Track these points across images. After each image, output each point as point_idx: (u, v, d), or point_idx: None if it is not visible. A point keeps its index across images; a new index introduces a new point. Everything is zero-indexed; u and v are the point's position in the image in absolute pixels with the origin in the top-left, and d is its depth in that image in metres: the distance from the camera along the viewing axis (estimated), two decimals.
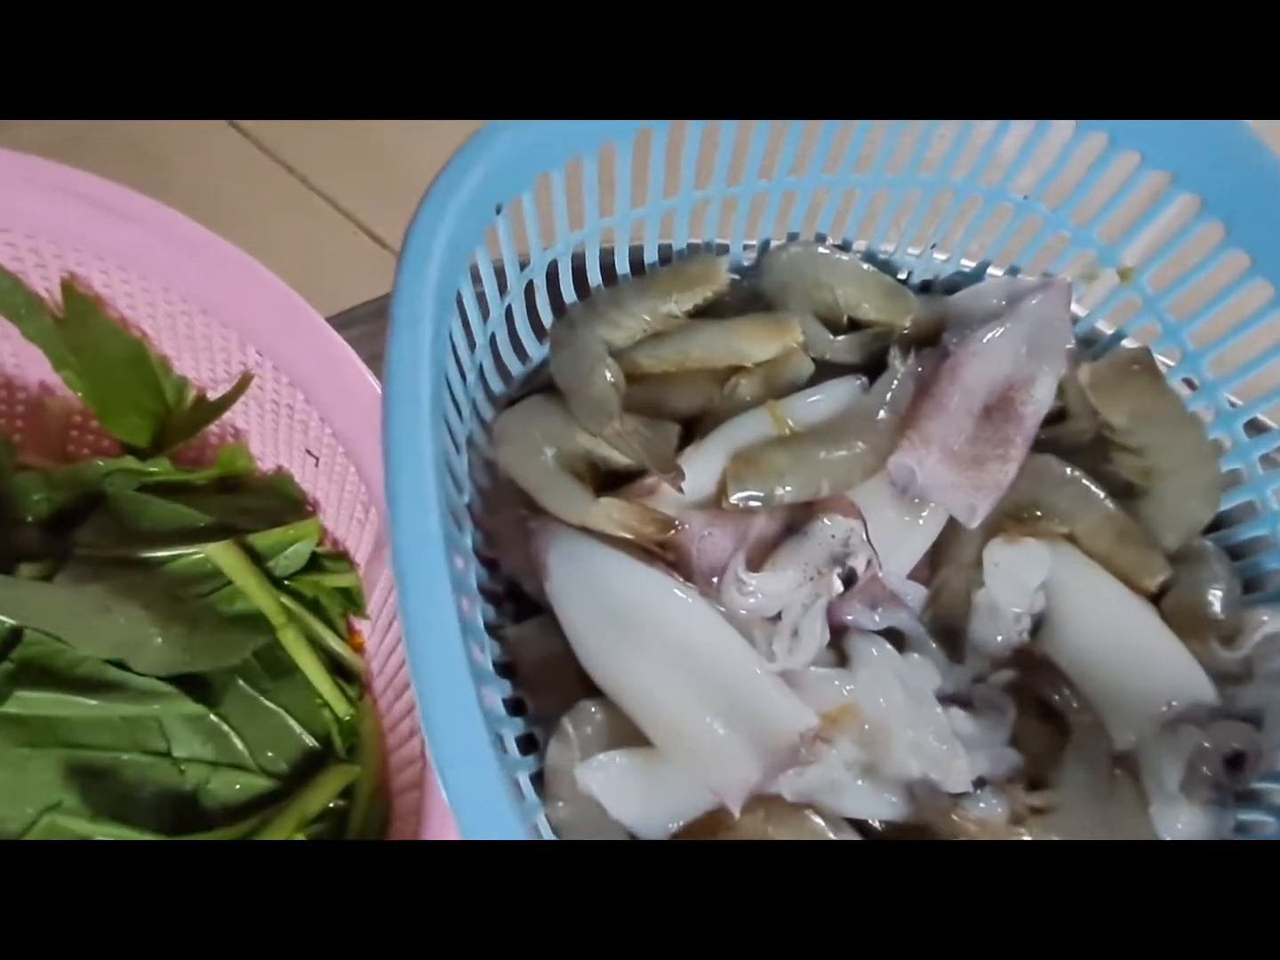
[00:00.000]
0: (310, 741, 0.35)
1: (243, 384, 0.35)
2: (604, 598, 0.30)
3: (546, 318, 0.36)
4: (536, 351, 0.36)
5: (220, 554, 0.34)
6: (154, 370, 0.37)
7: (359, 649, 0.37)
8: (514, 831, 0.20)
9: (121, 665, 0.31)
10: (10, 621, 0.30)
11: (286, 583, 0.36)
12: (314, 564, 0.37)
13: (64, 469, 0.36)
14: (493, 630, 0.31)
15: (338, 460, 0.34)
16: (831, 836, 0.29)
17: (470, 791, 0.21)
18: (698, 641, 0.29)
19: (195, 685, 0.32)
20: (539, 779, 0.29)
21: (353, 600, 0.37)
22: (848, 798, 0.30)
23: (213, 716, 0.33)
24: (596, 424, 0.32)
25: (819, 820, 0.29)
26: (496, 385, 0.34)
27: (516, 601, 0.32)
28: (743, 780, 0.28)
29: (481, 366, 0.33)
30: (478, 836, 0.20)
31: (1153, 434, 0.35)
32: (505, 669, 0.31)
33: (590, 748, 0.28)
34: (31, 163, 0.32)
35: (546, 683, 0.30)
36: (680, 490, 0.31)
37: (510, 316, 0.34)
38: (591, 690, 0.30)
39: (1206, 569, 0.33)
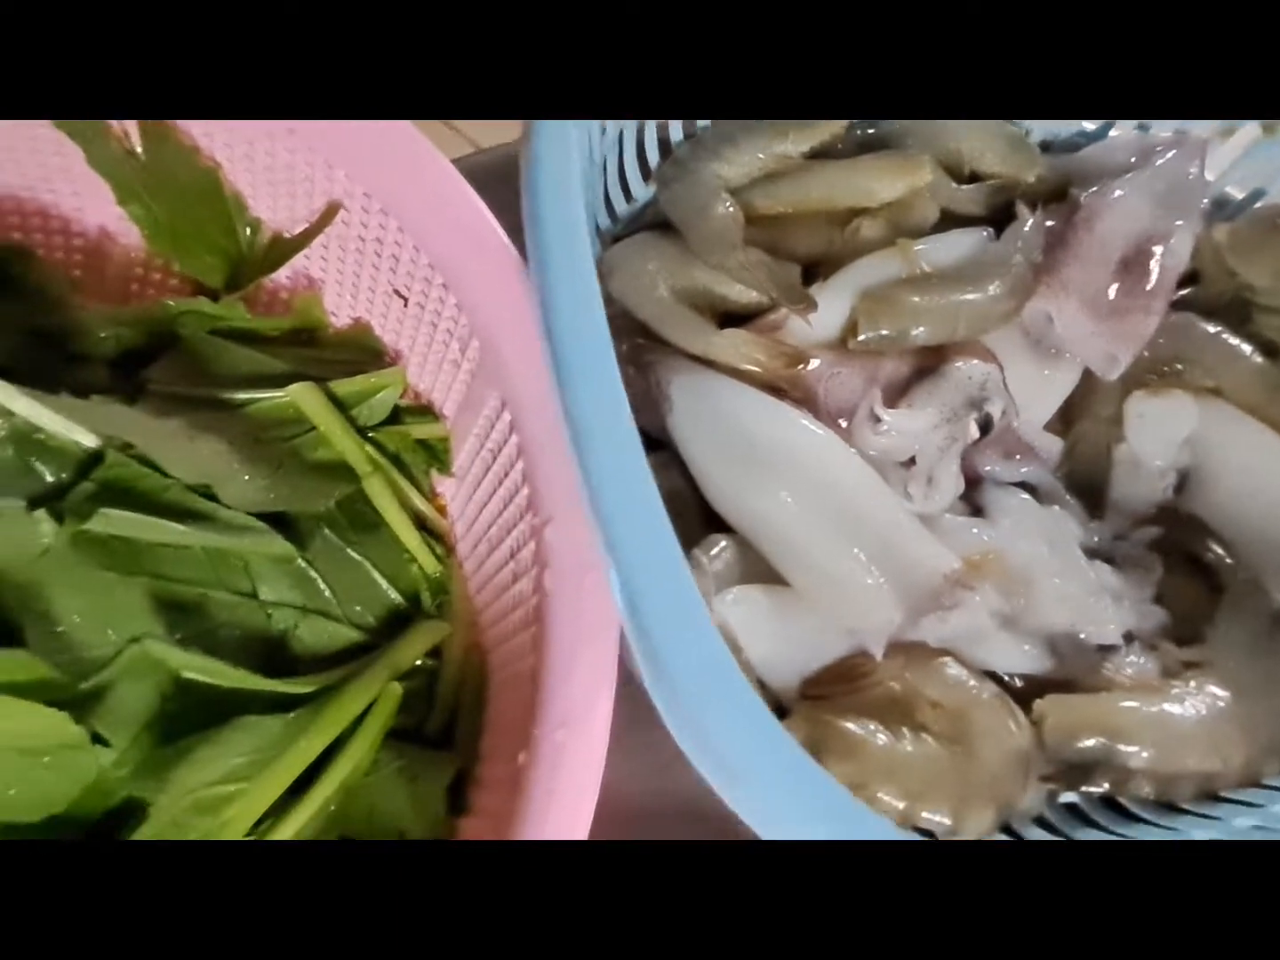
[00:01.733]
0: (396, 597, 0.33)
1: (329, 214, 0.33)
2: (732, 431, 0.28)
3: (653, 159, 0.34)
4: (642, 193, 0.34)
5: (304, 396, 0.33)
6: (228, 205, 0.35)
7: (441, 510, 0.36)
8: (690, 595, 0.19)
9: (208, 496, 0.29)
10: (89, 443, 0.29)
11: (370, 434, 0.34)
12: (395, 417, 0.35)
13: (133, 307, 0.35)
14: None
15: (431, 296, 0.32)
16: (971, 686, 0.28)
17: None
18: (836, 478, 0.28)
19: (281, 528, 0.31)
20: None
21: (437, 456, 0.35)
22: (989, 649, 0.29)
23: (300, 561, 0.31)
24: (719, 255, 0.30)
25: (959, 670, 0.28)
26: (603, 221, 0.33)
27: None
28: (886, 622, 0.27)
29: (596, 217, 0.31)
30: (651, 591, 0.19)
31: None
32: None
33: (723, 582, 0.27)
34: None
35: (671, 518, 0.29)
36: (809, 322, 0.30)
37: (621, 152, 0.32)
38: (718, 528, 0.28)
39: None
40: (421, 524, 0.35)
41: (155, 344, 0.35)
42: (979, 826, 0.26)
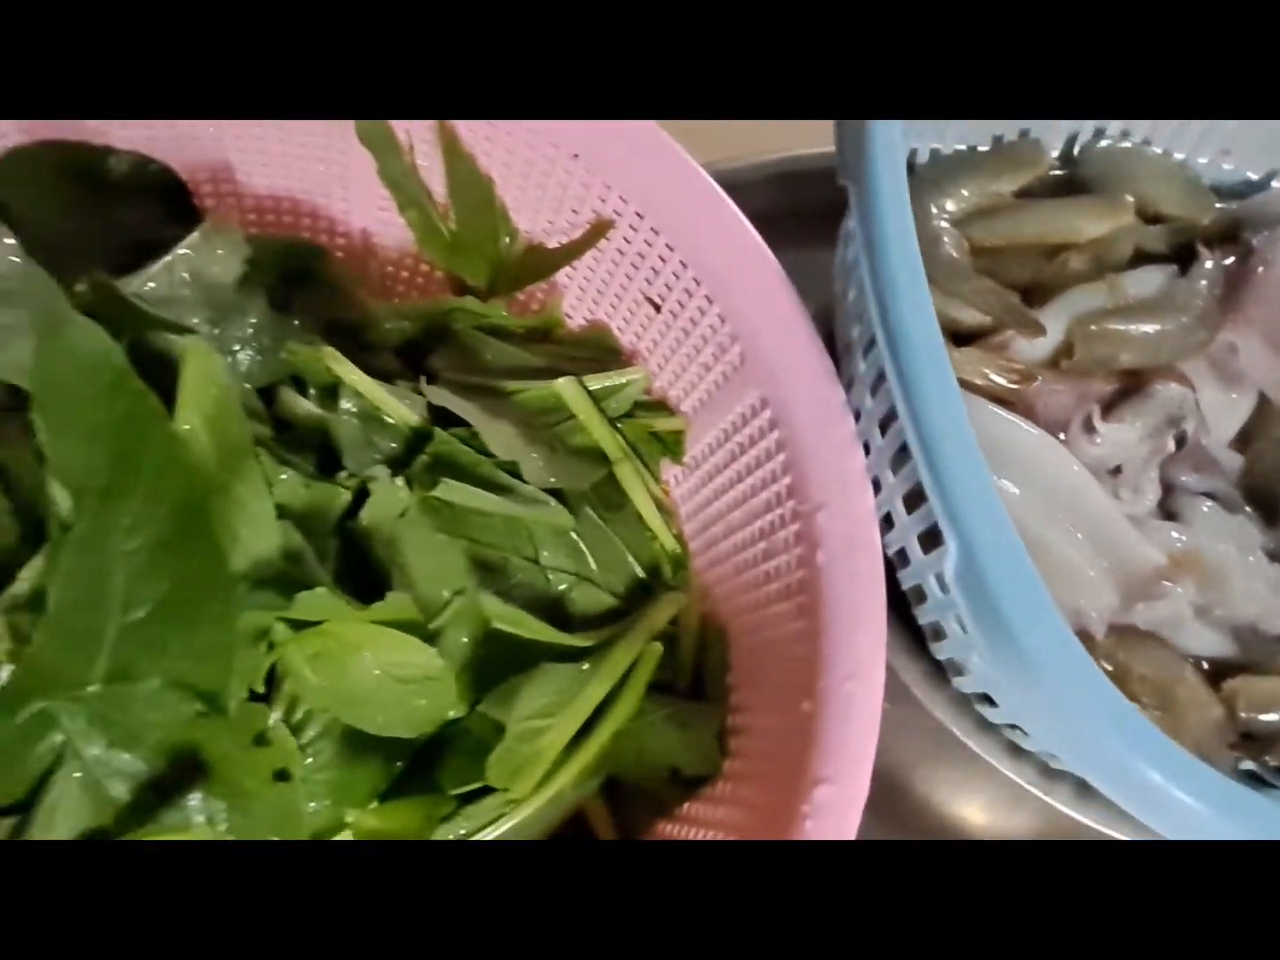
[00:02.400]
0: (639, 571, 0.38)
1: (600, 230, 0.38)
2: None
3: None
4: None
5: (567, 388, 0.37)
6: (498, 216, 0.40)
7: (666, 492, 0.41)
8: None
9: (510, 472, 0.34)
10: (413, 418, 0.34)
11: (616, 425, 0.39)
12: (633, 410, 0.40)
13: (412, 302, 0.39)
14: None
15: (690, 305, 0.37)
16: (1175, 664, 0.32)
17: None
18: (1059, 476, 0.33)
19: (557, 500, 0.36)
20: None
21: (669, 447, 0.40)
22: (1187, 634, 0.33)
23: (573, 533, 0.36)
24: (954, 283, 0.35)
25: (1164, 650, 0.33)
26: None
27: None
28: (1106, 605, 0.32)
29: None
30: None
31: None
32: None
33: None
34: None
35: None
36: (1031, 343, 0.35)
37: None
38: None
39: None
40: (657, 506, 0.40)
41: (429, 336, 0.40)
42: None
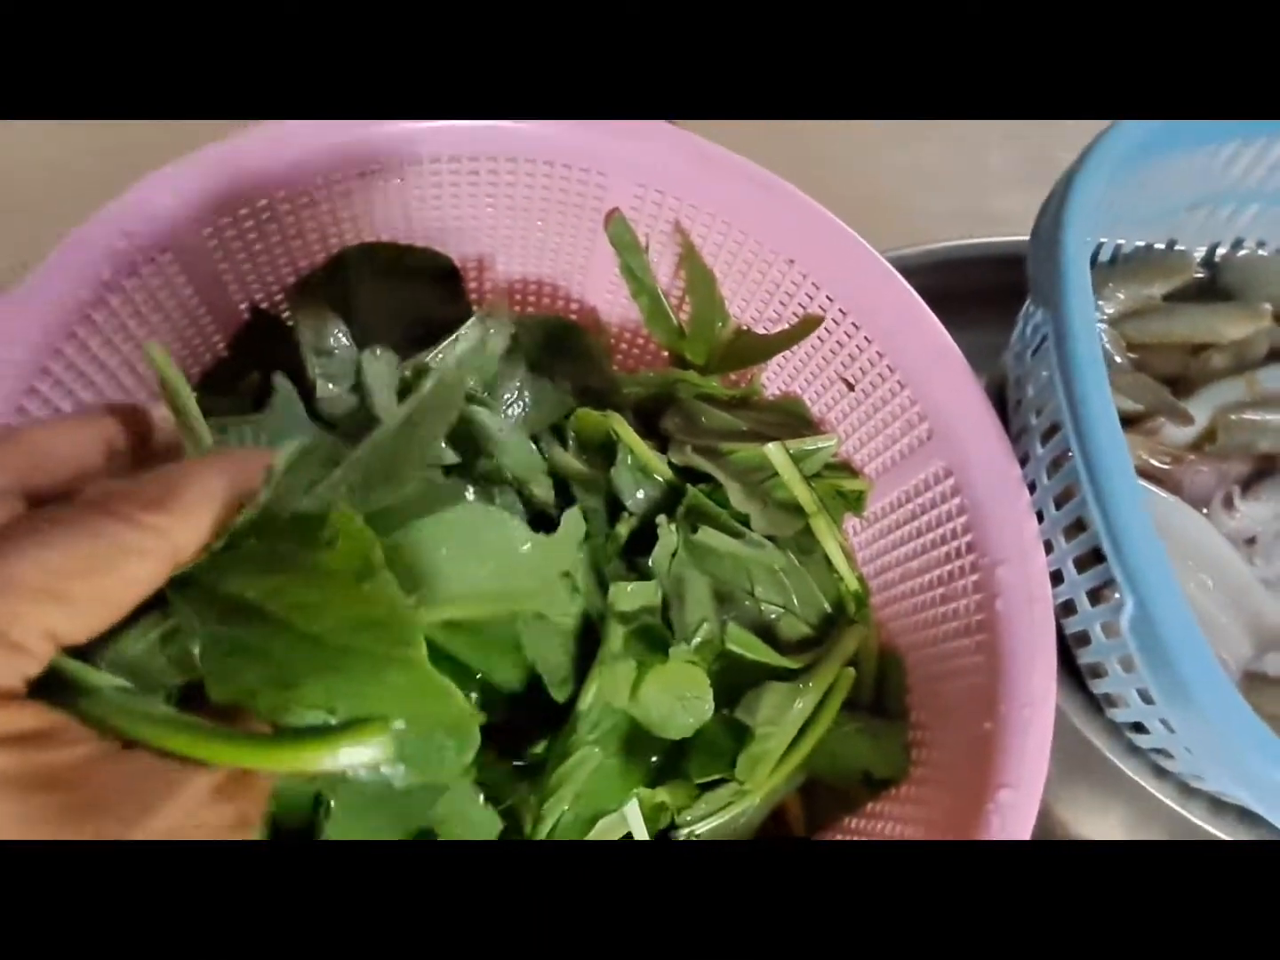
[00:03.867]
0: (827, 606, 0.46)
1: (811, 324, 0.46)
2: None
3: None
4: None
5: (775, 452, 0.46)
6: (718, 306, 0.48)
7: (845, 539, 0.49)
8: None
9: (741, 521, 0.43)
10: (668, 473, 0.43)
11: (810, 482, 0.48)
12: (820, 471, 0.49)
13: (646, 372, 0.48)
14: None
15: (882, 387, 0.45)
16: None
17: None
18: (1205, 544, 0.40)
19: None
20: None
21: (850, 503, 0.48)
22: None
23: (780, 572, 0.44)
24: (1113, 376, 0.43)
25: None
26: None
27: None
28: (1241, 654, 0.39)
29: None
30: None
31: None
32: None
33: None
34: (663, 128, 0.43)
35: None
36: (1187, 426, 0.42)
37: None
38: None
39: None
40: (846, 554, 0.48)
41: (657, 402, 0.48)
42: None
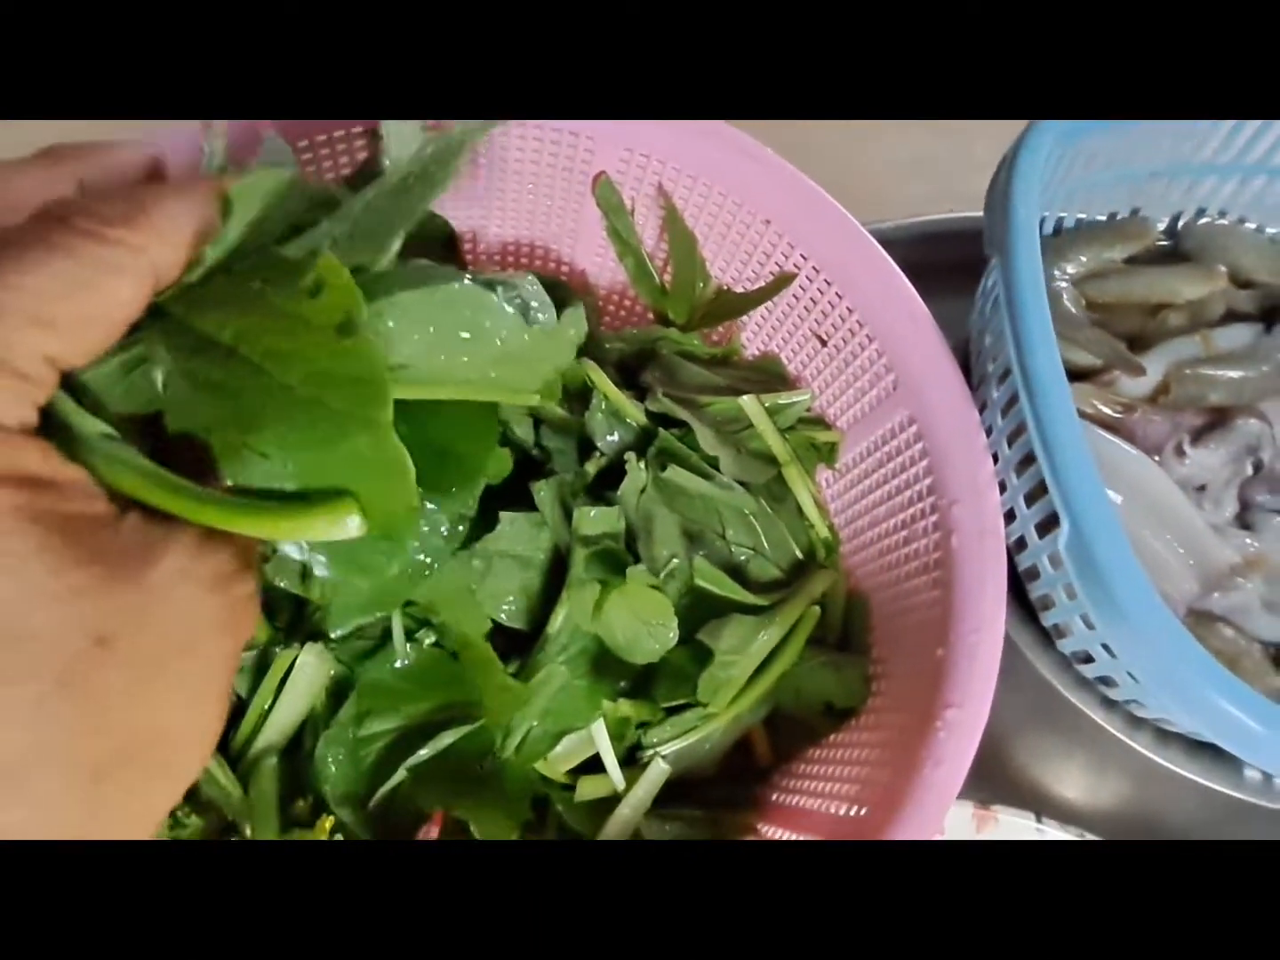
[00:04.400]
0: (798, 552, 0.49)
1: (784, 282, 0.49)
2: None
3: None
4: None
5: (749, 404, 0.48)
6: (699, 266, 0.51)
7: (819, 491, 0.51)
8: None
9: (711, 464, 0.45)
10: (642, 417, 0.45)
11: (784, 435, 0.50)
12: (795, 424, 0.51)
13: (629, 330, 0.51)
14: None
15: (852, 342, 0.48)
16: (1241, 642, 0.41)
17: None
18: (1154, 487, 0.42)
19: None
20: None
21: (824, 455, 0.51)
22: (1255, 621, 0.42)
23: (751, 516, 0.47)
24: (1072, 331, 0.45)
25: (1233, 631, 0.42)
26: None
27: None
28: (1187, 591, 0.41)
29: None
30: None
31: None
32: None
33: None
34: None
35: None
36: (1134, 381, 0.44)
37: None
38: None
39: None
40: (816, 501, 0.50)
41: (639, 357, 0.51)
42: None
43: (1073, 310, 0.46)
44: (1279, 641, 0.42)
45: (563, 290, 0.52)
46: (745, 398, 0.48)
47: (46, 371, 0.18)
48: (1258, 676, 0.40)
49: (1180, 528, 0.42)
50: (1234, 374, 0.45)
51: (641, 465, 0.42)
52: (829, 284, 0.47)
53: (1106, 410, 0.44)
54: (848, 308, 0.47)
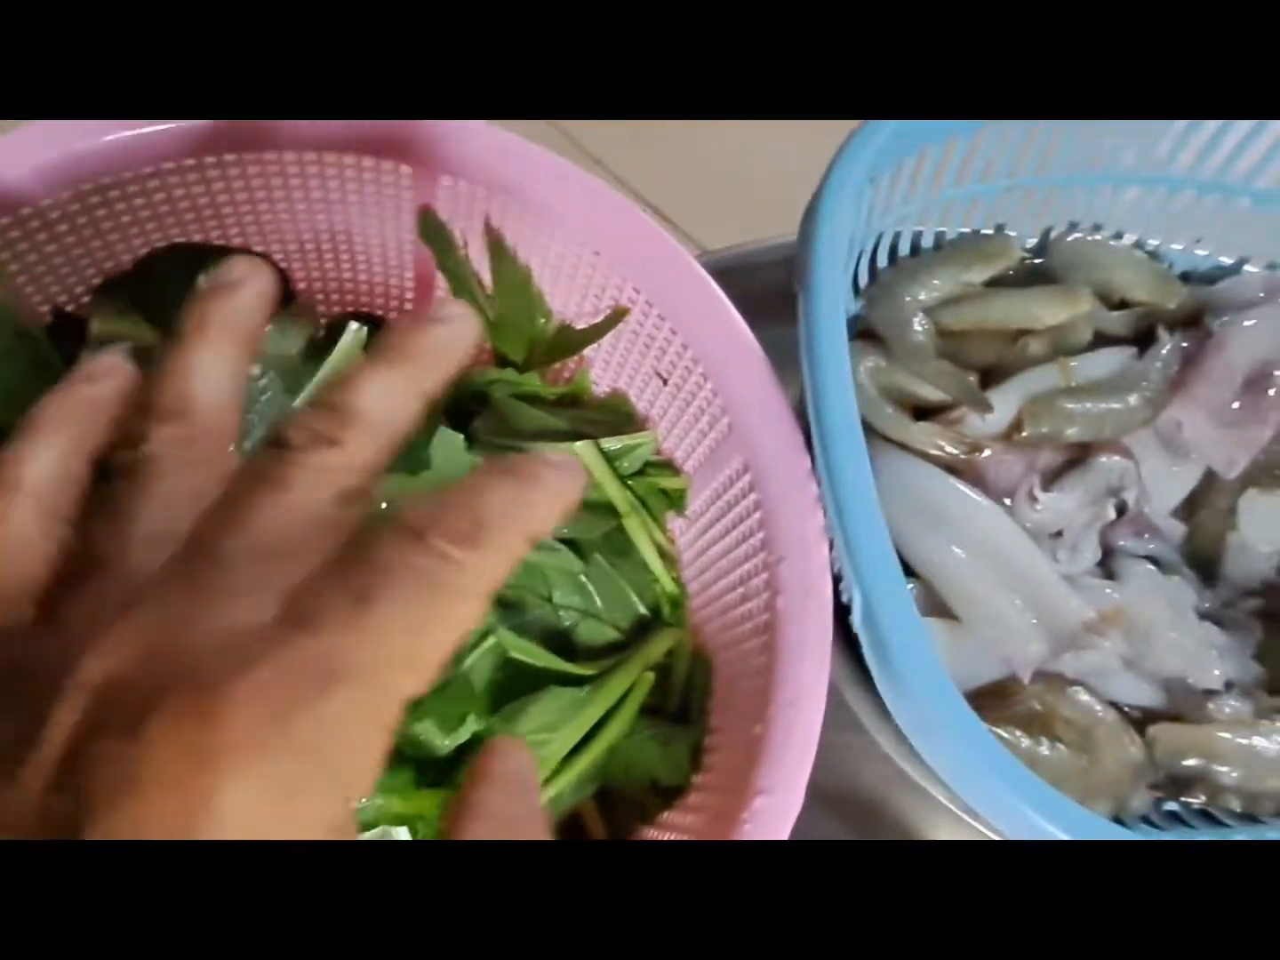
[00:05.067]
0: (642, 609, 0.45)
1: (618, 316, 0.46)
2: (920, 498, 0.40)
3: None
4: (851, 305, 0.46)
5: (584, 451, 0.45)
6: (535, 301, 0.48)
7: (671, 541, 0.48)
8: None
9: None
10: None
11: (627, 481, 0.47)
12: (643, 469, 0.48)
13: (460, 373, 0.48)
14: None
15: (690, 380, 0.44)
16: (1098, 710, 0.38)
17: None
18: (999, 541, 0.39)
19: (569, 549, 0.43)
20: None
21: (674, 502, 0.47)
22: (1114, 683, 0.39)
23: (581, 575, 0.44)
24: (917, 364, 0.42)
25: (1089, 697, 0.38)
26: None
27: None
28: (1033, 653, 0.38)
29: None
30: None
31: None
32: None
33: None
34: (472, 125, 0.43)
35: None
36: (984, 420, 0.41)
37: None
38: (907, 572, 0.39)
39: None
40: (660, 553, 0.47)
41: (473, 401, 0.48)
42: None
43: (921, 340, 0.42)
44: (1141, 705, 0.39)
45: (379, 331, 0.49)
46: (581, 444, 0.45)
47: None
48: (1113, 749, 0.37)
49: (1028, 583, 0.38)
50: (1094, 406, 0.41)
51: None
52: (662, 319, 0.44)
53: (952, 450, 0.41)
54: (683, 344, 0.44)
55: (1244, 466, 0.41)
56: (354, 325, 0.41)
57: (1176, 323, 0.45)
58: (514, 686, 0.40)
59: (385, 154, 0.45)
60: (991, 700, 0.38)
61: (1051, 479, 0.41)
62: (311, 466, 0.19)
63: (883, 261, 0.46)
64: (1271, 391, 0.43)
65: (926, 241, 0.47)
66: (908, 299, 0.44)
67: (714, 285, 0.43)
